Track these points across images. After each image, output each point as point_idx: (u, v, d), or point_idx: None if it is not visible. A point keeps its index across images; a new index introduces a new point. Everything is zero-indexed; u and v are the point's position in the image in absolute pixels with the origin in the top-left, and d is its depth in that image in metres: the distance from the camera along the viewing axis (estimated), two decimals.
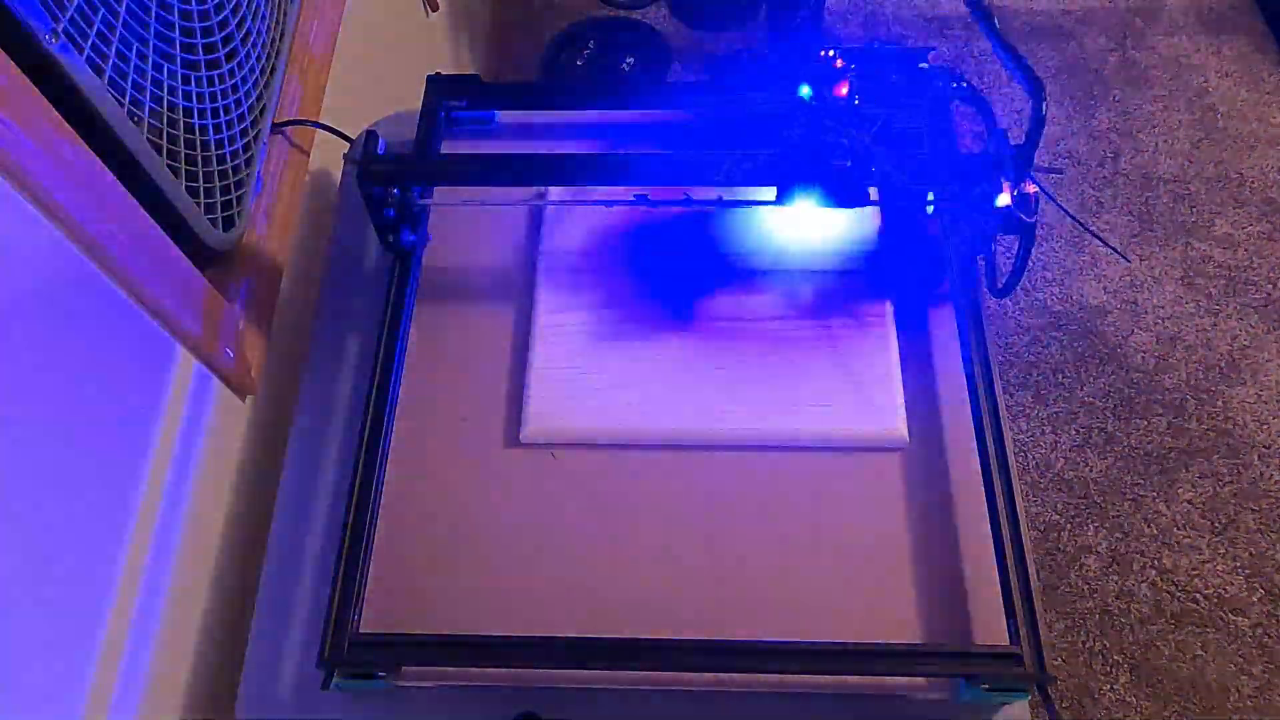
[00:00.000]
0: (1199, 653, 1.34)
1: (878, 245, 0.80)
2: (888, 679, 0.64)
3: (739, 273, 0.79)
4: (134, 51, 0.62)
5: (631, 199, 0.77)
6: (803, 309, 0.77)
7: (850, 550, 0.69)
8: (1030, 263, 0.70)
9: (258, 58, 0.80)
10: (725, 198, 0.77)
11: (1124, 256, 1.65)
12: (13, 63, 0.50)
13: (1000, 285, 0.75)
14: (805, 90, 0.65)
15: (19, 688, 0.54)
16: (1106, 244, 1.58)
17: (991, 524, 0.67)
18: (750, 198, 0.77)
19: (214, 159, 0.73)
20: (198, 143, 0.70)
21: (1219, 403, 1.53)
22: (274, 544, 0.73)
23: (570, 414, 0.73)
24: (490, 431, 0.74)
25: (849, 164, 0.66)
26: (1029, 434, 1.52)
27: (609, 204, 0.81)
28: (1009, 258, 0.70)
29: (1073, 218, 0.81)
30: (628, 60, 1.91)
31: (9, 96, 0.50)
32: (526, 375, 0.75)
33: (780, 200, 0.70)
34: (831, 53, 0.82)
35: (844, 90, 0.64)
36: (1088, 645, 1.35)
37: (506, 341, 0.78)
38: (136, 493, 0.66)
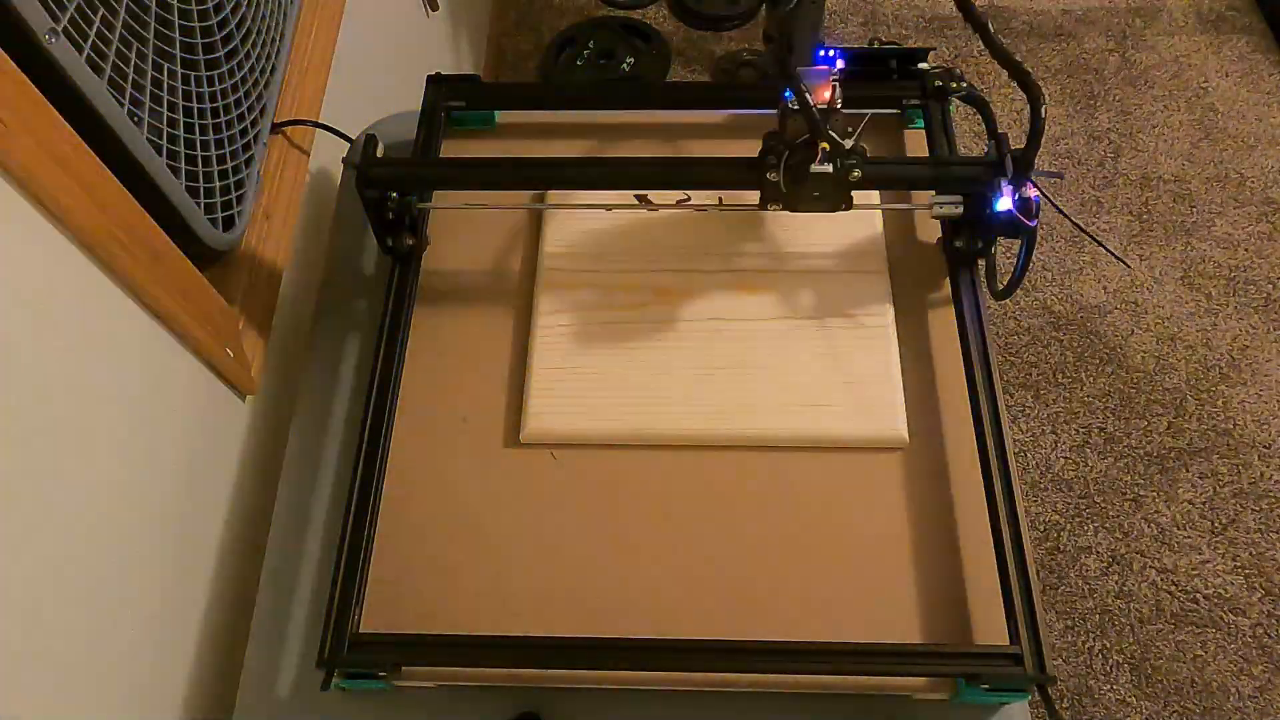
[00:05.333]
0: (1199, 653, 1.34)
1: (878, 245, 0.80)
2: (888, 679, 0.64)
3: (739, 273, 0.79)
4: (134, 51, 0.62)
5: (633, 200, 0.77)
6: (803, 309, 0.77)
7: (850, 550, 0.68)
8: (1030, 263, 0.70)
9: (258, 58, 0.80)
10: (725, 199, 0.77)
11: (1125, 263, 1.65)
12: (13, 63, 0.50)
13: (1000, 287, 0.75)
14: (794, 94, 0.65)
15: (16, 688, 0.54)
16: (1108, 250, 1.57)
17: (991, 524, 0.67)
18: (750, 199, 0.77)
19: (214, 159, 0.72)
20: (198, 143, 0.70)
21: (1219, 403, 1.53)
22: (274, 544, 0.73)
23: (570, 414, 0.73)
24: (490, 431, 0.74)
25: (830, 169, 0.66)
26: (1029, 434, 1.52)
27: (608, 207, 0.81)
28: (1009, 257, 0.70)
29: (1075, 223, 0.81)
30: (628, 60, 1.91)
31: (9, 96, 0.50)
32: (526, 375, 0.75)
33: (763, 204, 0.70)
34: (831, 53, 0.83)
35: (826, 95, 0.64)
36: (1088, 645, 1.35)
37: (506, 342, 0.78)
38: (136, 493, 0.66)
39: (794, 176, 0.67)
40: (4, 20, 0.50)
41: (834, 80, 0.65)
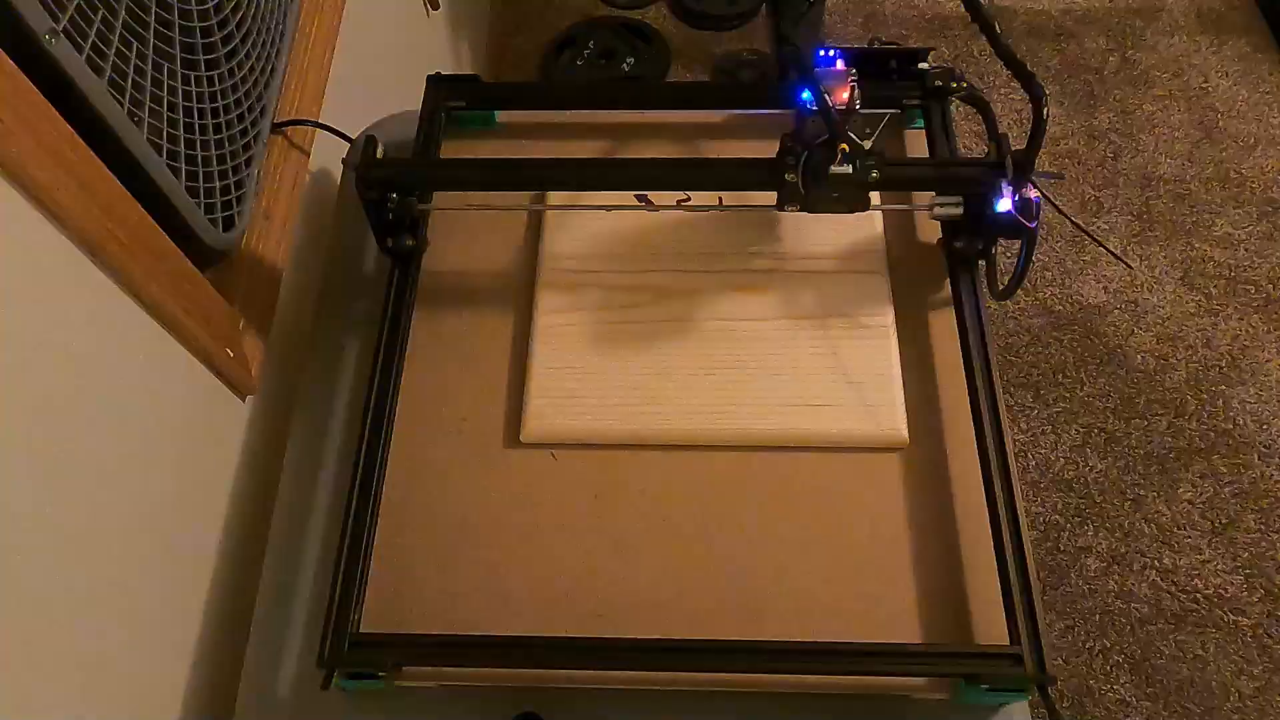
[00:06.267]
0: (1199, 653, 1.34)
1: (878, 245, 0.80)
2: (888, 679, 0.64)
3: (739, 273, 0.79)
4: (134, 51, 0.62)
5: (633, 201, 0.77)
6: (803, 309, 0.77)
7: (850, 550, 0.68)
8: (1030, 263, 0.70)
9: (258, 58, 0.80)
10: (725, 200, 0.77)
11: (1127, 264, 1.65)
12: (13, 63, 0.50)
13: (1001, 288, 0.75)
14: (807, 95, 0.65)
15: (15, 688, 0.54)
16: (1110, 251, 1.58)
17: (991, 524, 0.67)
18: (750, 200, 0.77)
19: (214, 159, 0.72)
20: (198, 143, 0.70)
21: (1219, 403, 1.53)
22: (274, 544, 0.73)
23: (570, 414, 0.73)
24: (490, 431, 0.74)
25: (850, 170, 0.66)
26: (1029, 434, 1.52)
27: (609, 208, 0.81)
28: (1009, 257, 0.70)
29: (1078, 225, 0.81)
30: (628, 60, 1.91)
31: (9, 96, 0.50)
32: (526, 375, 0.75)
33: (780, 205, 0.70)
34: (831, 53, 0.83)
35: (845, 95, 0.64)
36: (1088, 645, 1.35)
37: (506, 342, 0.78)
38: (135, 493, 0.66)
39: (813, 178, 0.67)
40: (4, 21, 0.50)
41: (852, 81, 0.65)
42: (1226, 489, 1.46)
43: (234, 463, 0.80)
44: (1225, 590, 1.38)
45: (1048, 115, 0.64)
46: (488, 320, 0.79)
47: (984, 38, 0.67)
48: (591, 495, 0.71)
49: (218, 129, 0.73)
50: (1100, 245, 1.66)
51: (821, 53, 0.74)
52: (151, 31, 0.64)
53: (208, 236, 0.72)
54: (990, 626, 0.65)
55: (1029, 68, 0.66)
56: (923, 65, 0.84)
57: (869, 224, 0.81)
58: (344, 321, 0.82)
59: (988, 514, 0.67)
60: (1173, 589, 1.39)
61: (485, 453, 0.73)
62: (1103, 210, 1.73)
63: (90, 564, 0.61)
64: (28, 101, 0.52)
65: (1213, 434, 1.51)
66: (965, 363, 0.73)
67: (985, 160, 0.72)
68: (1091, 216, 1.73)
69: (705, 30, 1.99)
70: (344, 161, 0.90)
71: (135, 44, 0.62)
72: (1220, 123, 1.83)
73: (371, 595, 0.67)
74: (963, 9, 0.69)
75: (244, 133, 0.77)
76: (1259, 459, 1.48)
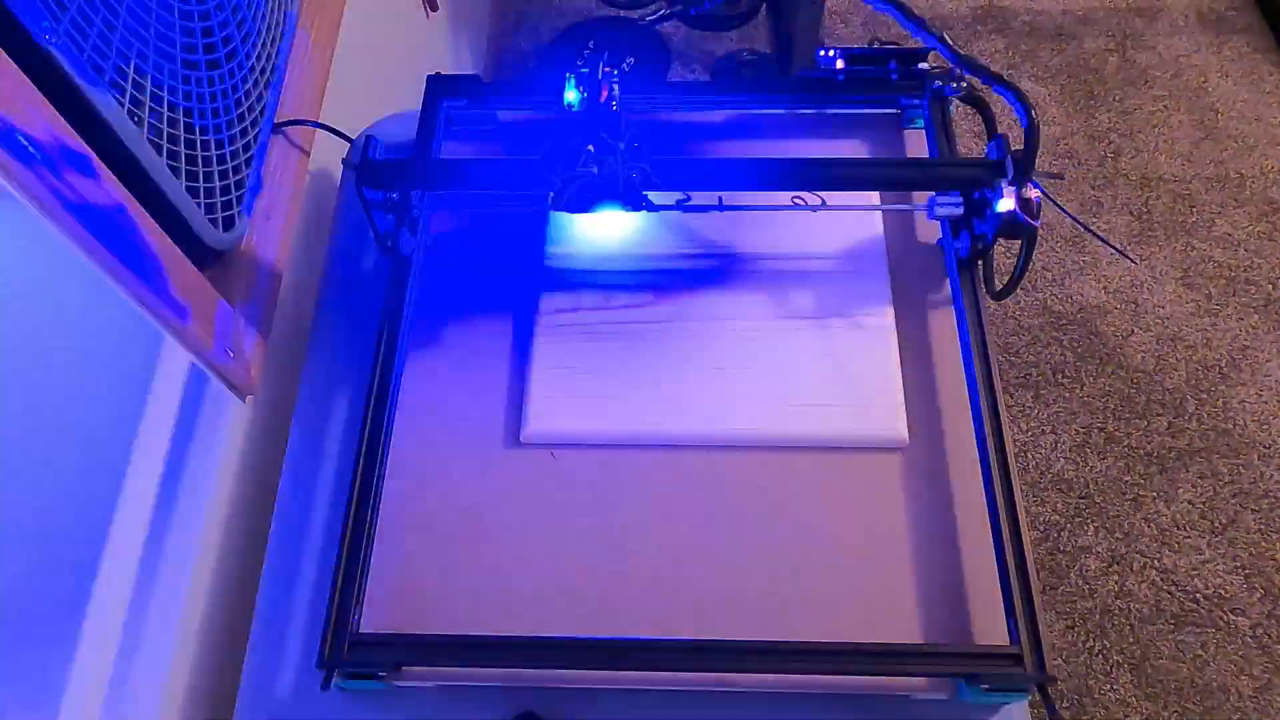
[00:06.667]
0: (1199, 653, 1.34)
1: (878, 245, 0.80)
2: (888, 679, 0.64)
3: (739, 273, 0.79)
4: (134, 51, 0.62)
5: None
6: (803, 309, 0.77)
7: (850, 550, 0.69)
8: (1030, 263, 0.70)
9: (258, 58, 0.80)
10: (724, 200, 0.77)
11: (1131, 259, 1.65)
12: (13, 63, 0.50)
13: (999, 288, 0.75)
14: (571, 96, 0.66)
15: (16, 688, 0.54)
16: (1113, 246, 1.57)
17: (991, 524, 0.67)
18: (750, 200, 0.77)
19: (214, 159, 0.72)
20: (198, 143, 0.70)
21: (1219, 403, 1.53)
22: (274, 544, 0.73)
23: (570, 414, 0.73)
24: (490, 431, 0.74)
25: (595, 170, 0.66)
26: (1029, 434, 1.52)
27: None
28: (1009, 257, 0.70)
29: (1077, 221, 0.81)
30: (628, 60, 1.91)
31: (9, 96, 0.50)
32: (526, 375, 0.75)
33: (558, 207, 0.71)
34: (831, 53, 0.83)
35: (604, 96, 0.65)
36: (1088, 645, 1.35)
37: (506, 341, 0.78)
38: (136, 493, 0.66)
39: (564, 177, 0.68)
40: (4, 20, 0.50)
41: (615, 82, 0.65)
42: (1226, 489, 1.46)
43: (234, 463, 0.80)
44: (1225, 590, 1.38)
45: (1036, 115, 0.65)
46: (488, 320, 0.79)
47: (950, 58, 0.67)
48: (591, 495, 0.71)
49: (218, 129, 0.73)
50: (1101, 240, 1.66)
51: (821, 53, 0.74)
52: (151, 32, 0.64)
53: (208, 236, 0.72)
54: (990, 626, 0.65)
55: (996, 70, 0.66)
56: (923, 65, 0.84)
57: (869, 224, 0.81)
58: (344, 321, 0.82)
59: (988, 514, 0.68)
60: (1173, 589, 1.39)
61: (485, 453, 0.73)
62: (1103, 210, 1.73)
63: (89, 564, 0.61)
64: (28, 101, 0.52)
65: (1213, 434, 1.51)
66: (965, 363, 0.73)
67: (985, 160, 0.72)
68: (1091, 216, 1.73)
69: (705, 30, 1.99)
70: (344, 161, 0.90)
71: (135, 44, 0.62)
72: (1220, 123, 1.83)
73: (371, 595, 0.67)
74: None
75: (244, 133, 0.77)
76: (1259, 459, 1.48)
